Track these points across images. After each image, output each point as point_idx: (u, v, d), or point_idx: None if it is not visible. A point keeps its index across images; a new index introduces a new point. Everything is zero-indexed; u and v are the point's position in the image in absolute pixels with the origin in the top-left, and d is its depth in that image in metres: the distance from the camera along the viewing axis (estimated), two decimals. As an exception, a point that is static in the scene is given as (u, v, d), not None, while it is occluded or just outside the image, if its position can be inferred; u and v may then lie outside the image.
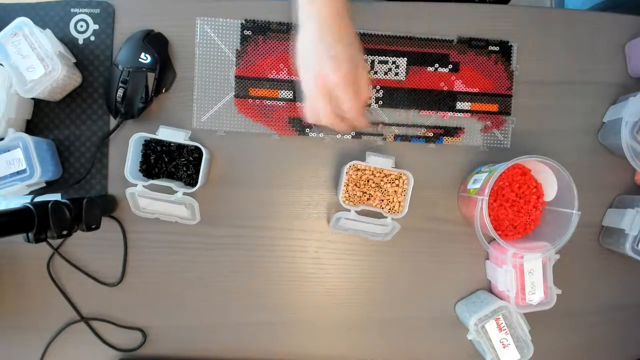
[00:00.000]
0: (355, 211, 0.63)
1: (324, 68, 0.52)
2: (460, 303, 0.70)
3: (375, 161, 0.64)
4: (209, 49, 0.67)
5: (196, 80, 0.67)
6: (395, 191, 0.65)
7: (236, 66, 0.67)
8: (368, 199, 0.65)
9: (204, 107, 0.67)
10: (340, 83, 0.53)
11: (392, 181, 0.65)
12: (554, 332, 0.71)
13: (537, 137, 0.70)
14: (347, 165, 0.63)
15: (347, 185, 0.65)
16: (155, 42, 0.65)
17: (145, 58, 0.62)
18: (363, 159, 0.64)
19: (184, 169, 0.66)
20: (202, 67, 0.67)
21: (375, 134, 0.69)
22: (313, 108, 0.55)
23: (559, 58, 0.70)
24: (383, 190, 0.65)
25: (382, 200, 0.65)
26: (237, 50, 0.67)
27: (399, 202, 0.65)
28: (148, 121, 0.67)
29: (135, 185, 0.61)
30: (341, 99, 0.53)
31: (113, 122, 0.66)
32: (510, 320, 0.63)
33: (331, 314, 0.70)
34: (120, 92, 0.63)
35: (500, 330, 0.63)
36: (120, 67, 0.63)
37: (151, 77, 0.63)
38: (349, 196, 0.65)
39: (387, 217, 0.63)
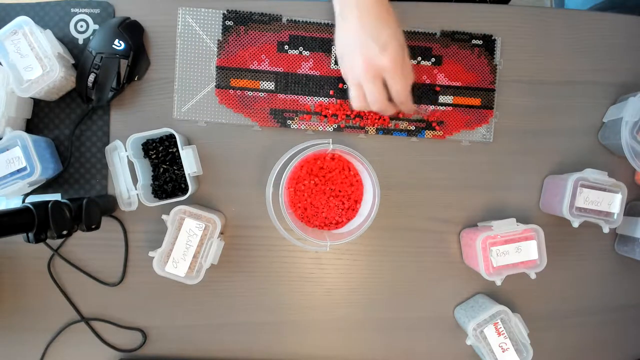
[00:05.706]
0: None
1: (370, 52, 0.52)
2: (459, 307, 0.70)
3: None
4: (191, 39, 0.67)
5: (177, 70, 0.67)
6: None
7: (217, 56, 0.67)
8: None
9: (184, 98, 0.67)
10: (389, 66, 0.52)
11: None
12: (553, 334, 0.72)
13: (536, 135, 0.70)
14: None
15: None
16: (130, 29, 0.64)
17: (119, 45, 0.62)
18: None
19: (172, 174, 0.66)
20: (183, 57, 0.67)
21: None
22: (359, 95, 0.55)
23: (559, 58, 0.70)
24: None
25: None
26: (218, 40, 0.67)
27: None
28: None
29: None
30: (390, 82, 0.53)
31: (113, 121, 0.66)
32: (509, 324, 0.64)
33: (331, 314, 0.70)
34: (91, 78, 0.62)
35: (499, 334, 0.63)
36: (93, 52, 0.62)
37: (124, 64, 0.63)
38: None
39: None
